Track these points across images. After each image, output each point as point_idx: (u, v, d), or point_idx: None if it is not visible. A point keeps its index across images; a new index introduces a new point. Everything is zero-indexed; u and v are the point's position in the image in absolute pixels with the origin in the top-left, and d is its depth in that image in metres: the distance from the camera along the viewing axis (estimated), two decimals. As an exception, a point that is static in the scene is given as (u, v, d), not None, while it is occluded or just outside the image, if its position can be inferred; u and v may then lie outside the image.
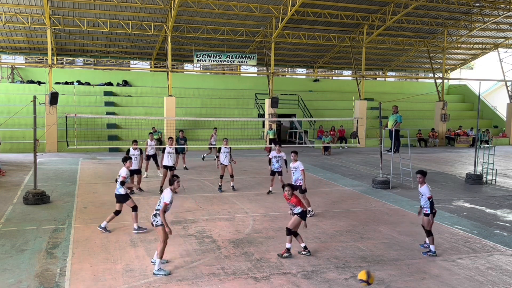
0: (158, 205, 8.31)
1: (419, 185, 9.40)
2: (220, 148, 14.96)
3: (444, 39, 31.98)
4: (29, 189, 13.43)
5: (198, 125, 28.72)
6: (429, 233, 9.22)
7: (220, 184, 15.03)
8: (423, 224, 9.36)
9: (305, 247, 9.07)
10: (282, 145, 15.01)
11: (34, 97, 13.09)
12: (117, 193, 10.35)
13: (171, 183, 8.53)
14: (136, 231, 10.35)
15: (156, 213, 8.28)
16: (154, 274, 8.05)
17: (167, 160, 14.98)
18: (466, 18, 29.99)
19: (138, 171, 14.42)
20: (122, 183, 10.20)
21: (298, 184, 11.62)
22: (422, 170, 9.55)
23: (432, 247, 9.22)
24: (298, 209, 8.96)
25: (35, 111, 13.10)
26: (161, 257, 8.15)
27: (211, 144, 22.07)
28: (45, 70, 26.51)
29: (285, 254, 8.95)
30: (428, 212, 9.23)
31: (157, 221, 8.23)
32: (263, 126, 29.69)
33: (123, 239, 9.84)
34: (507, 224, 11.66)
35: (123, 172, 10.34)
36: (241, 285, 7.65)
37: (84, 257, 8.75)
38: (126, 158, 10.68)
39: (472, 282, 7.95)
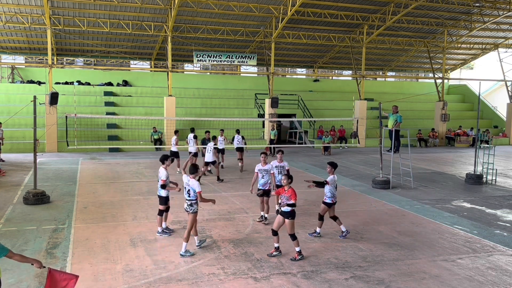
0: (189, 196, 8.98)
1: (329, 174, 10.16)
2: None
3: (444, 39, 31.99)
4: (29, 189, 13.43)
5: (198, 125, 28.66)
6: (320, 218, 10.19)
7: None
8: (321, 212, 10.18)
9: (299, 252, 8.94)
10: (281, 146, 15.05)
11: (34, 97, 13.08)
12: (158, 195, 10.27)
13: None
14: (159, 234, 10.18)
15: (191, 202, 8.98)
16: (181, 255, 8.89)
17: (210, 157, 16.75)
18: (466, 18, 29.99)
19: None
20: (163, 187, 10.01)
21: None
22: (332, 162, 10.30)
23: (318, 230, 10.27)
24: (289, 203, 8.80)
25: (35, 111, 13.10)
26: (196, 234, 9.35)
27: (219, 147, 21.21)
28: (45, 70, 26.52)
29: (275, 253, 9.00)
30: (328, 201, 10.03)
31: (193, 209, 8.98)
32: (263, 126, 29.70)
33: (123, 239, 9.84)
34: (507, 224, 11.67)
35: (163, 175, 10.06)
36: (241, 285, 7.66)
37: (84, 257, 8.75)
38: (166, 157, 10.31)
39: (472, 282, 7.95)
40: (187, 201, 9.04)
